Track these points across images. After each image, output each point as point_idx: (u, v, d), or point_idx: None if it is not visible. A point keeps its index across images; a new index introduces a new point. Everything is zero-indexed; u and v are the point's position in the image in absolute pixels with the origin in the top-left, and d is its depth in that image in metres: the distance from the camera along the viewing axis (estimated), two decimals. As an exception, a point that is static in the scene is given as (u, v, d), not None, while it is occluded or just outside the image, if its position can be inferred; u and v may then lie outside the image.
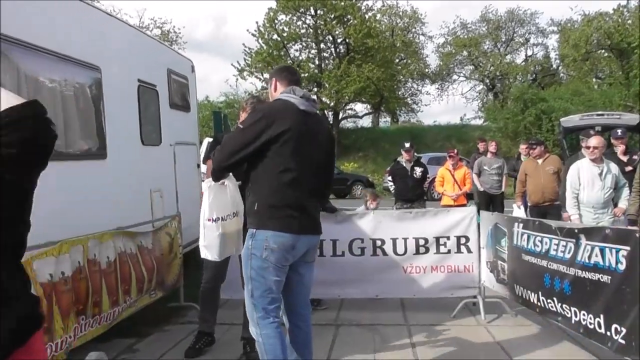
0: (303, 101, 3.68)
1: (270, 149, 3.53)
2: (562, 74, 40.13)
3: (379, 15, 36.28)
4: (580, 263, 4.54)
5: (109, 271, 4.91)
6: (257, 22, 33.11)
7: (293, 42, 34.21)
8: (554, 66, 41.08)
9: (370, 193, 8.07)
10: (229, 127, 8.13)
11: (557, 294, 4.88)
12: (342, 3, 32.27)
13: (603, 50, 34.27)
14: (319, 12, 33.11)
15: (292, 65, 32.68)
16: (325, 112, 34.91)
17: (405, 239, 6.42)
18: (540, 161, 8.78)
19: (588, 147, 6.70)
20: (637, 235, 3.96)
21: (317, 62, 34.82)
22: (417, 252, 6.42)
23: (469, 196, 10.40)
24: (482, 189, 10.71)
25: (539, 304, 5.21)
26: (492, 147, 11.01)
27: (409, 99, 41.53)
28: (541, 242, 5.19)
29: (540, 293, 5.16)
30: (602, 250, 4.27)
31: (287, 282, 3.73)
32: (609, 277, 4.18)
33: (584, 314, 4.50)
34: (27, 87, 4.43)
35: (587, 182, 6.65)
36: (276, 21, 33.03)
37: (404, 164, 9.11)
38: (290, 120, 3.56)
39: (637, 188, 6.08)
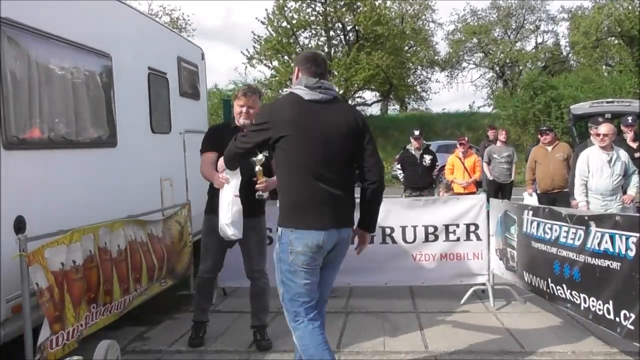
0: (308, 91, 3.54)
1: (279, 148, 3.50)
2: (572, 62, 39.80)
3: (388, 2, 35.98)
4: (590, 250, 4.54)
5: (119, 259, 4.94)
6: (266, 10, 33.10)
7: (302, 30, 34.03)
8: (564, 53, 40.73)
9: (444, 185, 8.35)
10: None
11: (566, 281, 4.88)
12: (352, -10, 32.09)
13: (613, 38, 33.94)
14: (328, -1, 32.95)
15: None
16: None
17: (414, 227, 6.43)
18: (549, 148, 8.74)
19: (598, 135, 6.66)
20: (647, 222, 3.96)
21: (326, 50, 34.64)
22: (427, 240, 6.42)
23: (478, 184, 10.37)
24: (491, 178, 10.68)
25: (548, 290, 5.21)
26: (502, 135, 10.96)
27: (418, 87, 41.34)
28: (551, 229, 5.18)
29: (549, 280, 5.17)
30: (612, 237, 4.27)
31: None
32: (619, 264, 4.18)
33: (593, 301, 4.51)
34: (38, 74, 4.45)
35: (596, 170, 6.62)
36: (285, 8, 32.83)
37: (413, 152, 9.10)
38: (291, 117, 3.49)
39: (646, 175, 6.05)
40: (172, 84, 7.20)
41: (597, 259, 4.47)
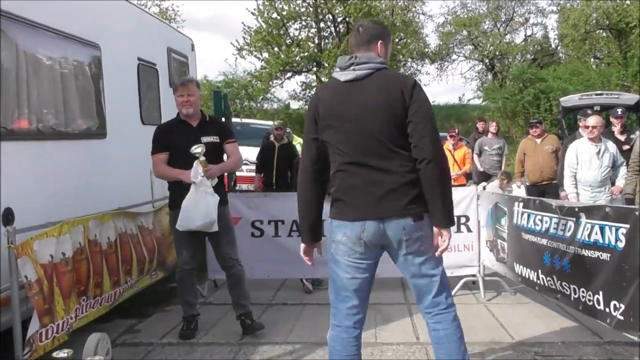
0: (341, 73, 3.25)
1: (323, 137, 3.30)
2: (561, 54, 39.91)
3: (379, -6, 35.94)
4: (580, 241, 4.56)
5: (109, 252, 4.92)
6: (256, 1, 32.77)
7: (293, 21, 33.83)
8: (553, 46, 40.84)
9: (505, 175, 8.54)
10: (229, 106, 8.09)
11: (556, 272, 4.90)
12: (342, -19, 31.97)
13: (601, 30, 34.06)
14: (318, -10, 32.81)
15: (297, 44, 32.75)
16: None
17: (405, 219, 6.42)
18: (538, 140, 8.78)
19: (587, 127, 6.69)
20: (637, 213, 3.98)
21: (316, 41, 34.54)
22: (418, 232, 6.42)
23: (467, 176, 10.40)
24: (481, 169, 10.71)
25: (538, 282, 5.24)
26: (492, 127, 11.00)
27: (408, 79, 41.32)
28: (541, 220, 5.20)
29: (540, 271, 5.19)
30: (602, 229, 4.29)
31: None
32: (609, 255, 4.20)
33: (583, 291, 4.53)
34: (26, 64, 4.39)
35: (585, 161, 6.65)
36: (276, -1, 32.74)
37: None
38: (325, 103, 3.28)
39: (634, 167, 6.08)
40: (162, 74, 7.15)
41: (587, 250, 4.49)
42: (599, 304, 4.33)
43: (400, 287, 6.68)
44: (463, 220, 6.39)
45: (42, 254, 3.92)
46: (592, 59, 35.82)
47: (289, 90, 66.61)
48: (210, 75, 45.70)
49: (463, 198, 6.41)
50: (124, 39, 6.17)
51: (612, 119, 8.29)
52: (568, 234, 4.74)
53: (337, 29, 34.92)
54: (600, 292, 4.31)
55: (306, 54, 33.33)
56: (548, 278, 5.05)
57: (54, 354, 3.52)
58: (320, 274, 6.60)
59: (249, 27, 32.91)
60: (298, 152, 8.77)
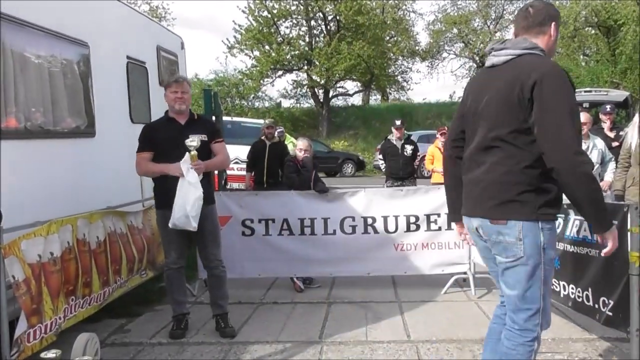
0: (489, 57, 3.10)
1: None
2: (550, 51, 40.09)
3: (369, -8, 35.97)
4: (569, 238, 4.59)
5: (98, 251, 4.88)
6: (247, -1, 32.75)
7: (283, 19, 33.88)
8: (543, 43, 41.02)
9: None
10: (219, 105, 8.06)
11: (546, 269, 4.91)
12: (332, -21, 31.98)
13: (590, 28, 34.22)
14: (308, -12, 32.81)
15: (288, 42, 32.56)
16: (316, 90, 34.77)
17: (396, 217, 6.44)
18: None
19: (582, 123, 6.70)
20: (625, 209, 3.99)
21: (307, 40, 34.56)
22: (408, 230, 6.45)
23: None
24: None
25: (528, 279, 5.25)
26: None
27: (399, 77, 41.36)
28: (531, 217, 5.21)
29: (530, 268, 5.20)
30: (590, 225, 4.30)
31: None
32: (597, 251, 4.21)
33: (572, 288, 4.56)
34: (14, 63, 4.35)
35: None
36: (266, -3, 32.72)
37: (395, 142, 9.09)
38: (467, 92, 3.20)
39: (623, 164, 6.10)
40: (151, 73, 7.11)
41: (576, 247, 4.52)
42: (588, 300, 4.36)
43: (391, 285, 6.70)
44: (454, 217, 6.40)
45: (30, 254, 3.89)
46: (581, 56, 35.99)
47: (280, 88, 66.60)
48: (201, 73, 45.63)
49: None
50: (113, 37, 6.13)
51: (601, 116, 8.32)
52: (557, 231, 4.75)
53: (328, 27, 34.94)
54: (590, 289, 4.34)
55: (297, 52, 33.36)
56: (538, 275, 5.06)
57: (42, 355, 3.47)
58: (310, 273, 6.63)
59: (239, 26, 32.93)
60: (289, 151, 8.76)
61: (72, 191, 4.99)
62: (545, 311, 2.98)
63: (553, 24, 3.04)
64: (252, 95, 34.51)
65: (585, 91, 13.03)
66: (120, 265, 5.30)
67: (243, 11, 32.74)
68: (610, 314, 4.11)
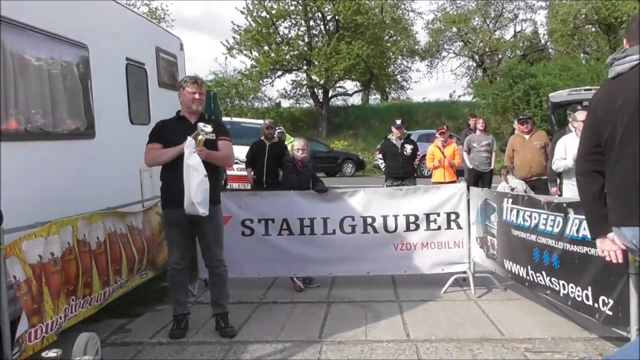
0: (612, 69, 3.13)
1: None
2: (550, 50, 40.07)
3: (368, -8, 35.96)
4: (569, 237, 4.59)
5: (99, 251, 4.89)
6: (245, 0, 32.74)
7: (282, 20, 33.88)
8: (543, 42, 41.01)
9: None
10: (219, 106, 8.08)
11: (545, 268, 4.93)
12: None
13: (590, 26, 34.21)
14: (307, -12, 32.78)
15: (287, 42, 32.46)
16: (315, 90, 34.77)
17: (395, 216, 6.45)
18: (527, 137, 8.80)
19: (581, 121, 6.67)
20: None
21: (306, 40, 34.55)
22: (408, 229, 6.45)
23: (459, 173, 10.40)
24: (471, 166, 10.73)
25: (528, 278, 5.27)
26: (480, 124, 11.01)
27: (398, 76, 41.35)
28: (530, 216, 5.23)
29: (529, 267, 5.22)
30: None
31: None
32: (597, 250, 4.21)
33: (572, 287, 4.57)
34: (14, 65, 4.36)
35: (574, 157, 6.65)
36: (264, -2, 32.71)
37: (394, 142, 9.10)
38: (595, 104, 3.20)
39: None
40: (150, 74, 7.12)
41: (575, 246, 4.52)
42: (587, 299, 4.37)
43: (391, 285, 6.70)
44: (453, 217, 6.41)
45: (30, 254, 3.90)
46: (581, 54, 35.95)
47: (280, 89, 66.54)
48: (201, 74, 45.50)
49: (453, 195, 6.44)
50: (112, 39, 6.13)
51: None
52: (557, 230, 4.77)
53: (327, 27, 34.93)
54: (589, 288, 4.34)
55: (296, 52, 33.35)
56: (537, 274, 5.08)
57: (43, 354, 3.52)
58: (310, 272, 6.64)
59: (238, 26, 32.91)
60: (289, 151, 8.76)
61: (73, 192, 4.99)
62: None
63: None
64: (252, 96, 34.50)
65: (585, 89, 12.95)
66: (121, 265, 5.32)
67: (242, 12, 32.77)
68: (610, 313, 4.12)
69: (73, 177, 5.09)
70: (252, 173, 8.97)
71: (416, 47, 41.63)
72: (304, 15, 33.91)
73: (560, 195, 6.88)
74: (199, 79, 5.21)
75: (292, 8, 33.59)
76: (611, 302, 4.10)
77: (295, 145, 7.05)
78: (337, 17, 33.34)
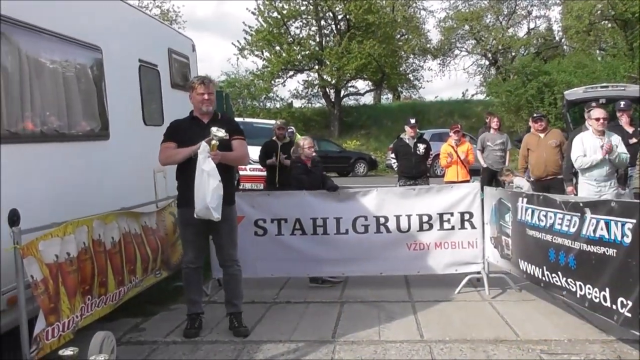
0: None
1: None
2: (565, 47, 39.70)
3: (379, -10, 35.86)
4: (585, 237, 4.54)
5: (114, 251, 4.93)
6: (256, 0, 32.77)
7: (293, 20, 33.87)
8: (557, 39, 40.63)
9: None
10: (231, 106, 8.09)
11: (561, 268, 4.89)
12: (342, -22, 31.89)
13: (607, 21, 33.81)
14: (318, -12, 32.75)
15: (298, 42, 32.40)
16: (327, 90, 34.74)
17: (408, 216, 6.43)
18: (542, 135, 8.71)
19: (598, 119, 6.61)
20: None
21: (317, 39, 34.52)
22: (421, 229, 6.43)
23: (473, 172, 10.35)
24: (485, 165, 10.67)
25: (543, 278, 5.22)
26: (494, 123, 10.93)
27: (410, 75, 41.18)
28: (546, 216, 5.19)
29: (544, 267, 5.17)
30: (607, 224, 4.27)
31: None
32: (615, 251, 4.18)
33: (589, 288, 4.51)
34: (30, 68, 4.40)
35: (590, 155, 6.58)
36: (275, -2, 32.72)
37: (407, 141, 9.06)
38: None
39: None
40: (163, 75, 7.15)
41: (592, 246, 4.46)
42: (605, 300, 4.31)
43: (404, 285, 6.68)
44: (467, 216, 6.38)
45: (47, 254, 3.94)
46: (597, 51, 35.45)
47: (291, 88, 66.54)
48: (213, 75, 45.56)
49: (467, 194, 6.41)
50: (125, 40, 6.16)
51: (617, 112, 8.21)
52: (573, 230, 4.72)
53: (338, 26, 34.87)
54: (607, 289, 4.28)
55: (307, 52, 33.32)
56: (553, 274, 5.03)
57: (60, 352, 3.55)
58: (323, 272, 6.64)
59: (250, 27, 32.92)
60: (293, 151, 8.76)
61: (88, 193, 5.03)
62: None
63: None
64: (264, 96, 34.51)
65: (601, 87, 12.82)
66: (135, 265, 5.35)
67: (253, 13, 32.76)
68: (629, 315, 4.05)
69: (88, 178, 5.13)
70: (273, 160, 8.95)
71: (428, 45, 41.45)
72: (315, 15, 33.88)
73: (577, 194, 6.81)
74: (207, 78, 5.23)
75: (303, 8, 33.58)
76: (630, 303, 4.03)
77: (305, 145, 7.03)
78: (348, 17, 33.27)
